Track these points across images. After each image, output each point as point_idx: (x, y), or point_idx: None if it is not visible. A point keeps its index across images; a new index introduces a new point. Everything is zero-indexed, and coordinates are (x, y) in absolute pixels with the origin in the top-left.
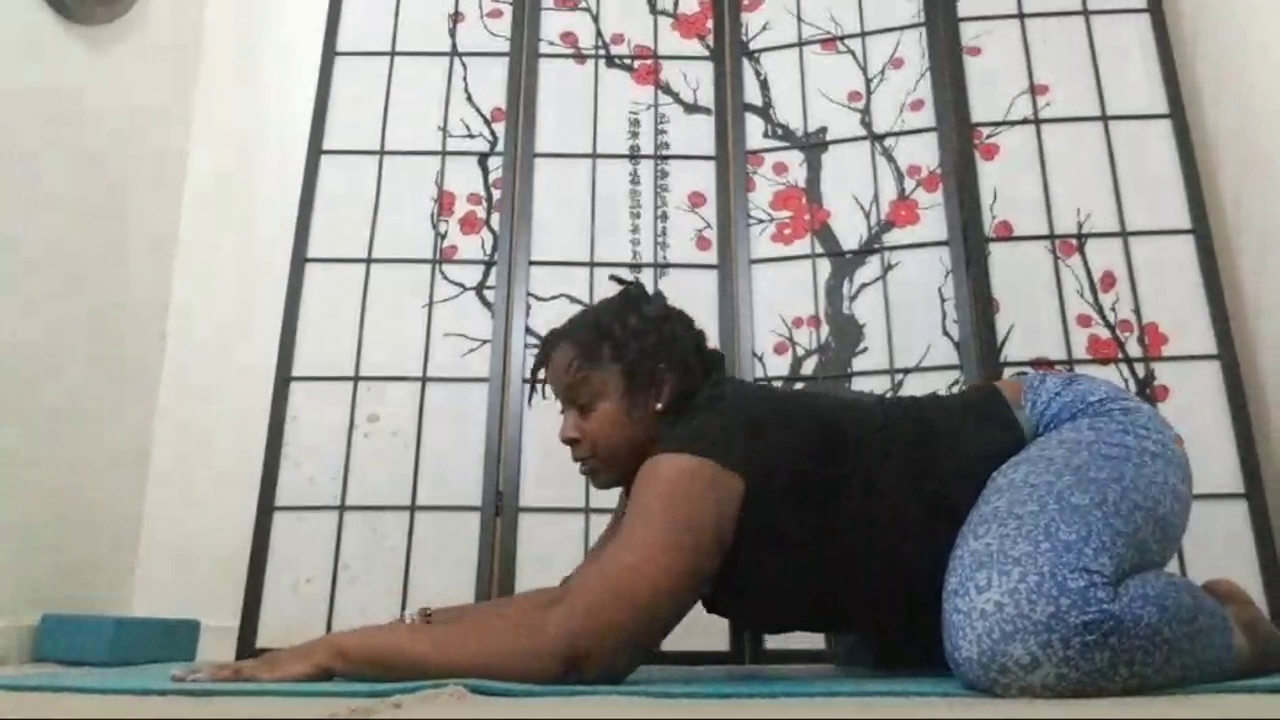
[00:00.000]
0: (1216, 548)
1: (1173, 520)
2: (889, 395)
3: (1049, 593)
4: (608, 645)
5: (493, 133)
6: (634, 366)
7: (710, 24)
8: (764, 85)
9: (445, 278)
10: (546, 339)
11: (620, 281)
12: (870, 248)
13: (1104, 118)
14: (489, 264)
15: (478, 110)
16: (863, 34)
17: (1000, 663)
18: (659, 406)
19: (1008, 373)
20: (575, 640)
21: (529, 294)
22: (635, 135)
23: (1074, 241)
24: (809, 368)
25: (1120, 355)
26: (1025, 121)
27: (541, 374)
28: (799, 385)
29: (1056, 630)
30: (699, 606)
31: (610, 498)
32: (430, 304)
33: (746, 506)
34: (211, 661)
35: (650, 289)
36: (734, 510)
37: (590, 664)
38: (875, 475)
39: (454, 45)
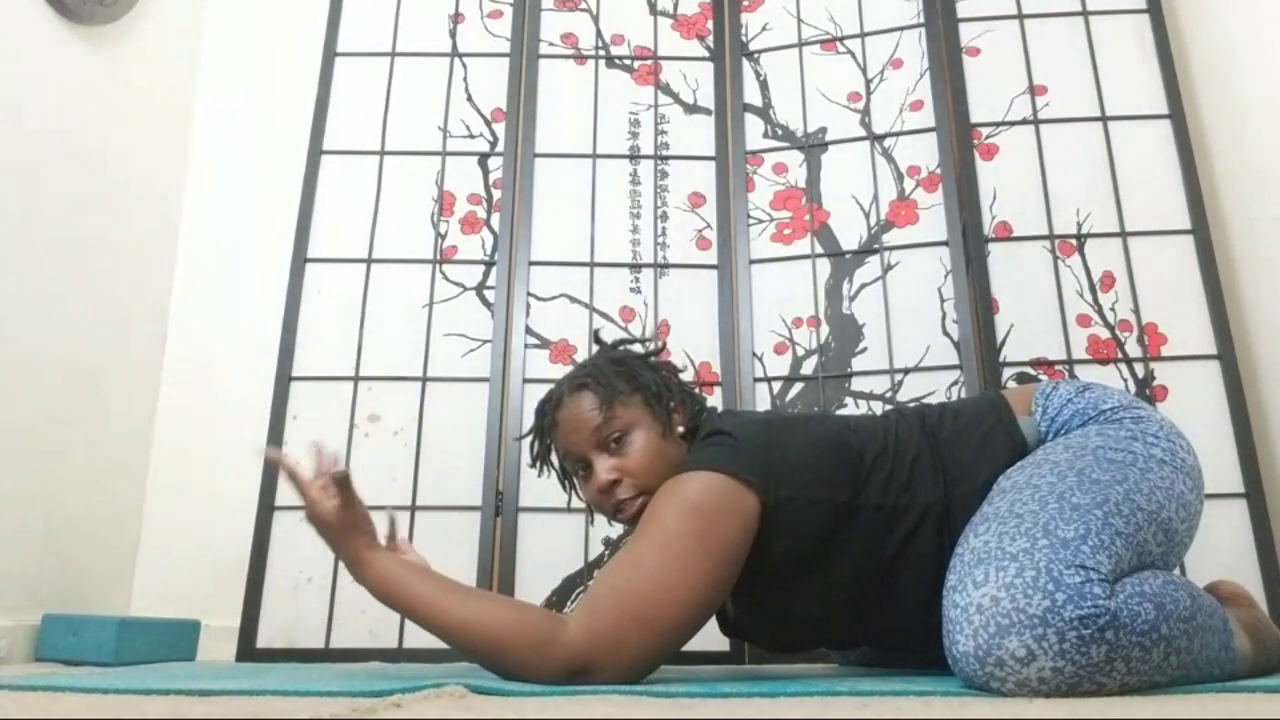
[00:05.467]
0: (1216, 548)
1: (1177, 527)
2: (891, 408)
3: (1044, 587)
4: (617, 664)
5: (493, 133)
6: (653, 392)
7: (710, 24)
8: (764, 86)
9: (445, 278)
10: (545, 404)
11: (600, 341)
12: (870, 248)
13: (1103, 118)
14: (489, 264)
15: (478, 110)
16: (862, 34)
17: (996, 656)
18: (680, 430)
19: (1007, 373)
20: (586, 658)
21: (529, 294)
22: (635, 135)
23: (1073, 241)
24: (809, 368)
25: (1120, 355)
26: (1025, 122)
27: (540, 443)
28: (799, 385)
29: (1051, 624)
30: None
31: None
32: (430, 304)
33: (765, 528)
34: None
35: (650, 290)
36: (752, 531)
37: (594, 678)
38: (886, 494)
39: (454, 46)
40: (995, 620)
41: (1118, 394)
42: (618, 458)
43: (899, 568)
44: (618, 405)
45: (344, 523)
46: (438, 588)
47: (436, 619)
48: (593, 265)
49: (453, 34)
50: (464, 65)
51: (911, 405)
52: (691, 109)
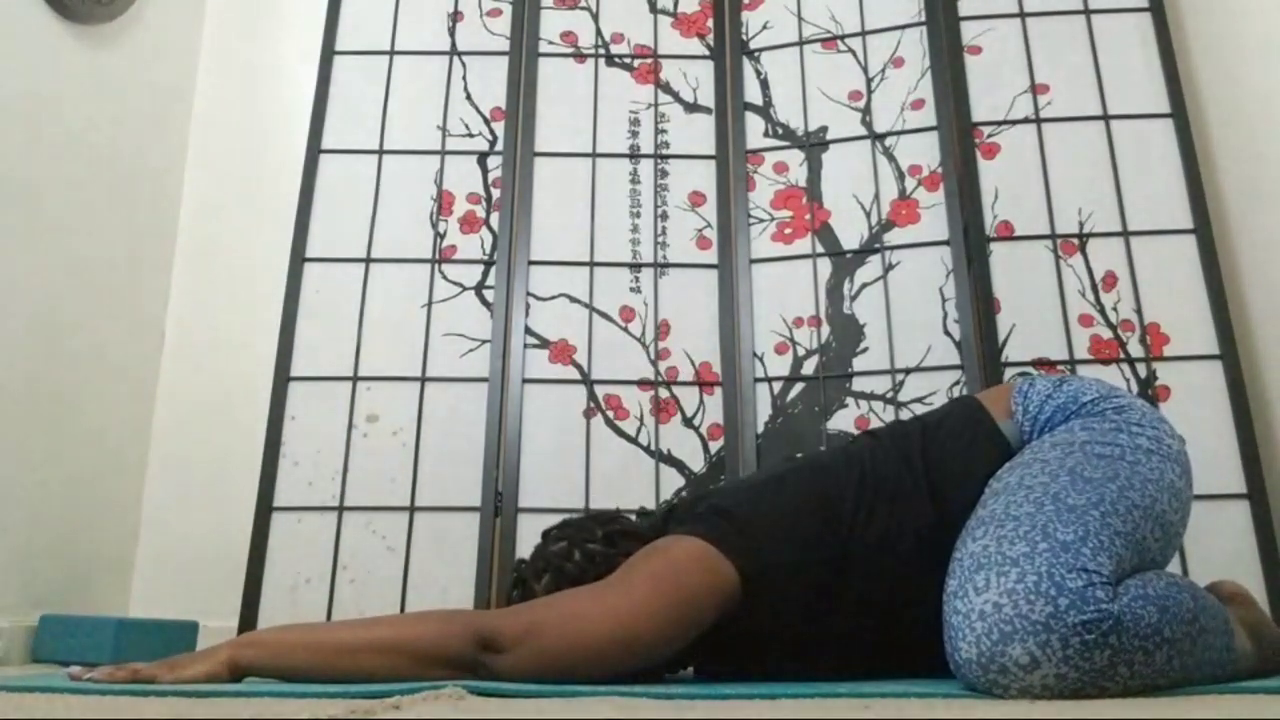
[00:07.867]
0: (1218, 548)
1: (1171, 517)
2: (864, 433)
3: (1047, 592)
4: (525, 648)
5: (492, 132)
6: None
7: (710, 23)
8: (764, 84)
9: (444, 277)
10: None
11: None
12: (871, 247)
13: (1105, 117)
14: (488, 264)
15: (477, 109)
16: (863, 33)
17: (1000, 663)
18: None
19: (1008, 373)
20: (497, 630)
21: (528, 294)
22: (635, 134)
23: (1075, 241)
24: (809, 368)
25: (1122, 355)
26: (1026, 121)
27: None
28: (799, 385)
29: (1055, 630)
30: None
31: (607, 496)
32: (429, 304)
33: (756, 596)
34: (112, 664)
35: (650, 290)
36: (722, 590)
37: (501, 661)
38: (871, 529)
39: (454, 44)
40: (998, 627)
41: (1095, 384)
42: None
43: (910, 598)
44: None
45: (163, 663)
46: (336, 624)
47: (343, 645)
48: (592, 265)
49: (452, 32)
50: (463, 64)
51: (885, 426)
52: (692, 108)
